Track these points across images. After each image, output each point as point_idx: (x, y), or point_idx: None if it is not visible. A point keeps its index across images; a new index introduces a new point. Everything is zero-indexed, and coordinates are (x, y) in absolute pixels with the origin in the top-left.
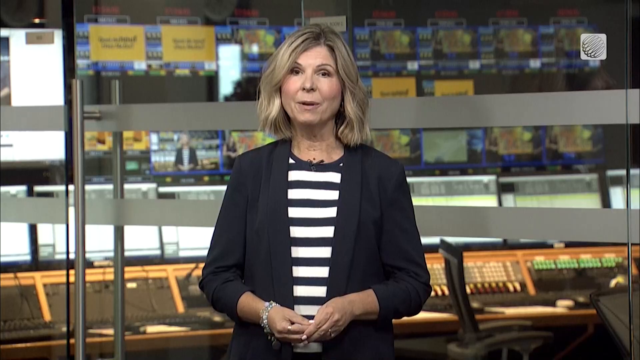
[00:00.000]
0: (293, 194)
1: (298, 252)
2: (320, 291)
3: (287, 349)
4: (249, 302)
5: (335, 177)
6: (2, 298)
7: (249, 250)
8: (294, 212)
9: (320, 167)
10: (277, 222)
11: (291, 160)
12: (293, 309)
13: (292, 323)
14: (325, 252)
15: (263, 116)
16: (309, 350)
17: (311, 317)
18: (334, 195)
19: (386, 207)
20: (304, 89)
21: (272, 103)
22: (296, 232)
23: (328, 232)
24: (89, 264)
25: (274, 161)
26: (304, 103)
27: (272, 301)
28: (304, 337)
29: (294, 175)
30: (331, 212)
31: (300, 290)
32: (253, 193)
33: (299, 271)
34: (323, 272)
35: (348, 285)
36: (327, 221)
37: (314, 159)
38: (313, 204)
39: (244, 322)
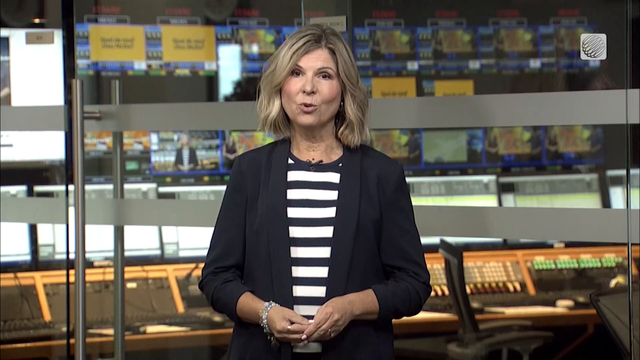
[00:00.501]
0: (292, 194)
1: (297, 252)
2: (319, 291)
3: (287, 349)
4: (248, 302)
5: (334, 177)
6: (2, 298)
7: (248, 250)
8: (293, 213)
9: (320, 167)
10: (276, 222)
11: (290, 161)
12: (292, 309)
13: (292, 323)
14: (324, 252)
15: (263, 116)
16: (308, 350)
17: (310, 317)
18: (333, 195)
19: (385, 207)
20: (304, 91)
21: (272, 103)
22: (295, 232)
23: (327, 232)
24: (89, 264)
25: (273, 161)
26: (304, 105)
27: (271, 301)
28: (304, 337)
29: (293, 176)
30: (330, 212)
31: (299, 291)
32: (252, 193)
33: (298, 271)
34: (322, 272)
35: (347, 285)
36: (326, 221)
37: (313, 159)
38: (312, 204)
39: (244, 322)
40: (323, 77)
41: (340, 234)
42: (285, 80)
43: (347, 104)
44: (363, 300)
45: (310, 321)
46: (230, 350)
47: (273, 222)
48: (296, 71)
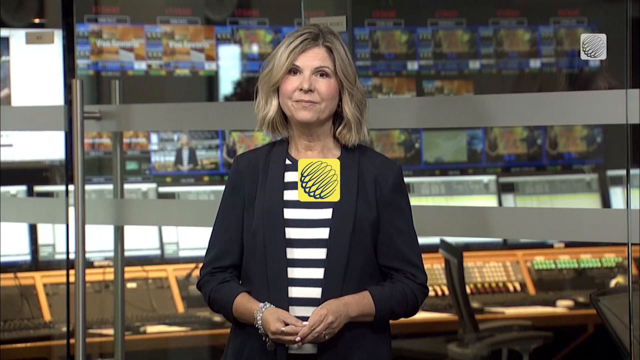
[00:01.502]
0: (289, 195)
1: (293, 253)
2: (315, 292)
3: (282, 350)
4: (244, 302)
5: None
6: (2, 298)
7: (245, 251)
8: (289, 214)
9: None
10: (272, 223)
11: (288, 162)
12: (288, 310)
13: (286, 324)
14: (320, 253)
15: (260, 116)
16: (303, 352)
17: (306, 319)
18: None
19: (383, 207)
20: (301, 89)
21: (270, 103)
22: (291, 233)
23: (323, 233)
24: (89, 264)
25: (271, 162)
26: (302, 100)
27: (266, 302)
28: (298, 338)
29: (290, 177)
30: (327, 213)
31: (295, 292)
32: (250, 194)
33: (294, 272)
34: (318, 273)
35: (343, 286)
36: (322, 222)
37: None
38: (309, 205)
39: (240, 323)
40: (320, 75)
41: (336, 235)
42: (282, 79)
43: (345, 103)
44: (359, 302)
45: (305, 323)
46: (226, 351)
47: (269, 223)
48: (293, 70)
